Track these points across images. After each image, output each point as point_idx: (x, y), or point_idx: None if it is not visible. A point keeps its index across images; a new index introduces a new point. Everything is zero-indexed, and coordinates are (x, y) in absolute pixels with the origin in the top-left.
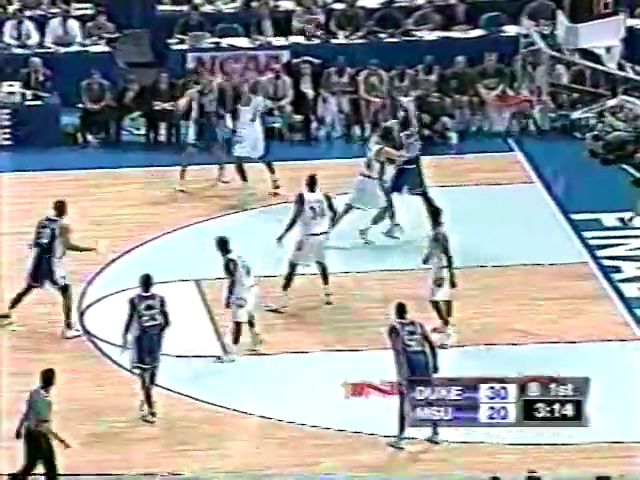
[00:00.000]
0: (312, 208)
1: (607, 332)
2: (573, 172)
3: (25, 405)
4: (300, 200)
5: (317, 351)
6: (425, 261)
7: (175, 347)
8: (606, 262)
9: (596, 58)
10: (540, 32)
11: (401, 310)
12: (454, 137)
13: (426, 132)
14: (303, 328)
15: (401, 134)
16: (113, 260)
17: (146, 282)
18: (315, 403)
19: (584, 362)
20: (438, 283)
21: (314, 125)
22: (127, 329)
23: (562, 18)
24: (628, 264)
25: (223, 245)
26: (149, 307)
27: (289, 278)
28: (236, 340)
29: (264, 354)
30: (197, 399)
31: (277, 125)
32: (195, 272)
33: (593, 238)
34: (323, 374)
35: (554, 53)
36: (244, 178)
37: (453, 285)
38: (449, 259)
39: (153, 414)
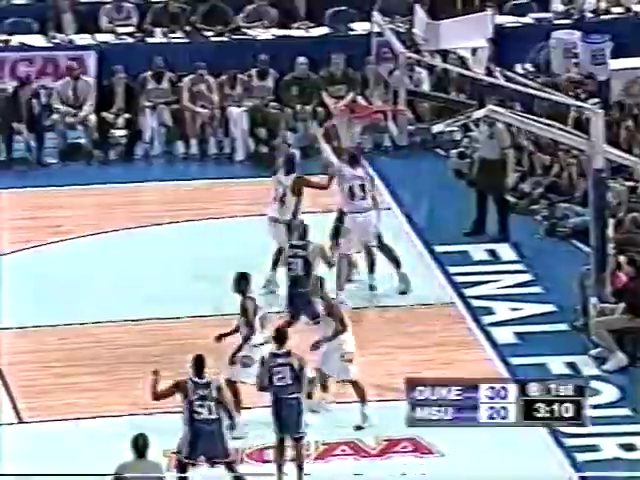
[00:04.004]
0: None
1: None
2: (436, 196)
3: None
4: None
5: (138, 414)
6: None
7: None
8: (475, 302)
9: (461, 61)
10: (395, 30)
11: (199, 364)
12: (295, 155)
13: (262, 149)
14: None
15: None
16: None
17: None
18: None
19: None
20: (244, 362)
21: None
22: None
23: (421, 14)
24: (500, 304)
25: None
26: None
27: None
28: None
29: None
30: None
31: (82, 141)
32: None
33: (460, 274)
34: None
35: (412, 55)
36: None
37: None
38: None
39: None
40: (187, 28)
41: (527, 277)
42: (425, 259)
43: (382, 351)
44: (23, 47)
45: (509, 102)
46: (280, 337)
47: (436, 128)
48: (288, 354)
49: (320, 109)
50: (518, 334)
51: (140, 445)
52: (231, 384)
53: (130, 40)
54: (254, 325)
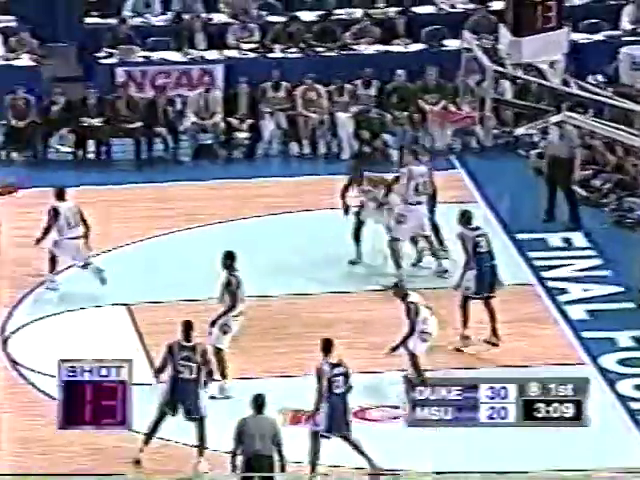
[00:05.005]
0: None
1: (552, 356)
2: (517, 191)
3: (241, 434)
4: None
5: (254, 377)
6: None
7: None
8: (551, 283)
9: (540, 73)
10: (482, 46)
11: (187, 329)
12: (395, 154)
13: (366, 149)
14: (237, 353)
15: None
16: (41, 283)
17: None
18: None
19: None
20: (224, 330)
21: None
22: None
23: (504, 32)
24: (574, 285)
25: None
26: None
27: None
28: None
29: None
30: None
31: (211, 142)
32: (127, 296)
33: (538, 259)
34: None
35: (497, 68)
36: None
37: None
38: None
39: None
40: (302, 45)
41: (598, 262)
42: (507, 245)
43: (468, 325)
44: (162, 61)
45: (582, 108)
46: (327, 346)
47: (518, 131)
48: (341, 364)
49: (416, 115)
50: (589, 311)
51: (259, 403)
52: (217, 351)
53: (253, 55)
54: (237, 298)
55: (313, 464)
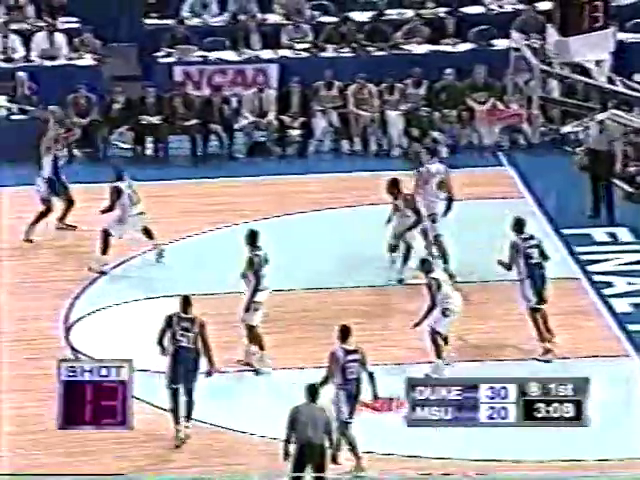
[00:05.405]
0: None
1: (598, 348)
2: (563, 186)
3: (294, 422)
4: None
5: (308, 367)
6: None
7: (158, 363)
8: (597, 277)
9: (585, 71)
10: (530, 46)
11: (185, 302)
12: (443, 151)
13: (415, 146)
14: (288, 343)
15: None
16: (100, 274)
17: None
18: None
19: None
20: (255, 307)
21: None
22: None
23: (552, 31)
24: (619, 279)
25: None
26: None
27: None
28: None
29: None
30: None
31: (264, 140)
32: (180, 288)
33: (584, 253)
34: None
35: (544, 67)
36: None
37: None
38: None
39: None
40: (354, 44)
41: None
42: (553, 240)
43: (516, 318)
44: (218, 61)
45: (628, 106)
46: (344, 333)
47: (565, 129)
48: (357, 351)
49: (465, 113)
50: (634, 305)
51: (312, 392)
52: (251, 328)
53: (306, 55)
54: (260, 277)
55: (354, 450)
